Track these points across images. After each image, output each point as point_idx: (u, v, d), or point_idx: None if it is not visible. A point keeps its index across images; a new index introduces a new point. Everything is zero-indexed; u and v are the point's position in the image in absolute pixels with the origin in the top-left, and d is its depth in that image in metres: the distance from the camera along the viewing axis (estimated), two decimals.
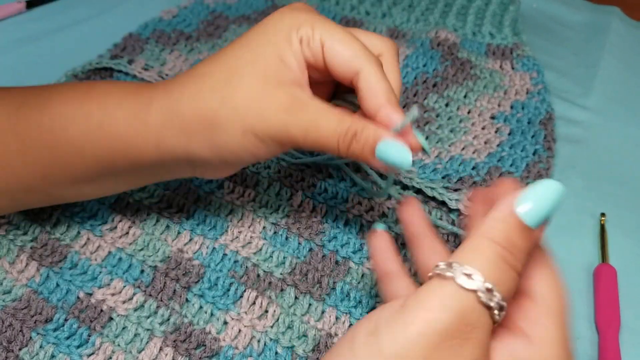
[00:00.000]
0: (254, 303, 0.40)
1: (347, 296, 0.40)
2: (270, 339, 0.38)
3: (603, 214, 0.47)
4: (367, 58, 0.33)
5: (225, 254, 0.42)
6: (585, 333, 0.41)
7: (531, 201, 0.27)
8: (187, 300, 0.40)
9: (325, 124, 0.32)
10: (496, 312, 0.25)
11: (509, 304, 0.26)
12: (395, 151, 0.32)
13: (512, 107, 0.55)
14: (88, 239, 0.43)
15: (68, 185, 0.37)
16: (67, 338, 0.38)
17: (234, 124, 0.33)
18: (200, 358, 0.37)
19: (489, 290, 0.24)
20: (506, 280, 0.25)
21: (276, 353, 0.37)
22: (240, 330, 0.38)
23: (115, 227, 0.44)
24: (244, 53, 0.34)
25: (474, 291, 0.24)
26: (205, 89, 0.33)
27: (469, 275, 0.24)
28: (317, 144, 0.33)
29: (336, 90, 0.40)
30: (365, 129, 0.32)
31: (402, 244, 0.43)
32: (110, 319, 0.39)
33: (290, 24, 0.34)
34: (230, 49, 0.34)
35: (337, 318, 0.39)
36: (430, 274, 0.26)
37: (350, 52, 0.33)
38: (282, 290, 0.40)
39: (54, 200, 0.41)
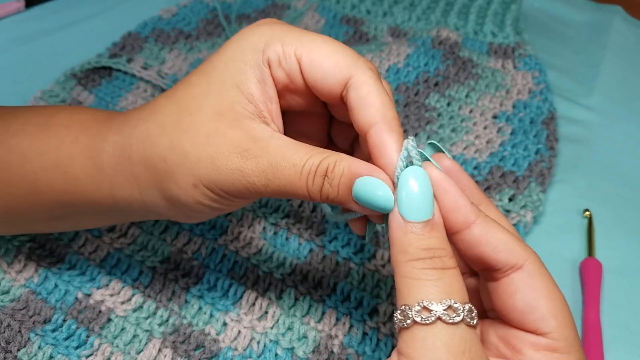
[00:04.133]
0: (253, 304, 0.39)
1: (347, 297, 0.40)
2: (270, 340, 0.37)
3: (587, 210, 0.47)
4: (356, 64, 0.27)
5: (224, 255, 0.42)
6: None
7: (403, 194, 0.25)
8: (186, 301, 0.39)
9: (288, 166, 0.27)
10: (468, 319, 0.24)
11: None
12: (373, 190, 0.25)
13: (514, 107, 0.54)
14: (86, 239, 0.43)
15: (32, 222, 0.35)
16: (66, 339, 0.37)
17: (184, 175, 0.28)
18: (199, 359, 0.36)
19: (451, 308, 0.23)
20: (452, 285, 0.24)
21: (276, 355, 0.37)
22: (239, 332, 0.38)
23: (114, 227, 0.43)
24: (200, 82, 0.29)
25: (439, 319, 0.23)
26: (154, 130, 0.29)
27: (429, 310, 0.23)
28: (283, 191, 0.27)
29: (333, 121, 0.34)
30: (338, 165, 0.26)
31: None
32: (109, 319, 0.38)
33: (254, 44, 0.28)
34: (188, 78, 0.30)
35: (337, 319, 0.39)
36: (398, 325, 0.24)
37: (333, 59, 0.27)
38: (282, 291, 0.40)
39: (27, 231, 0.38)
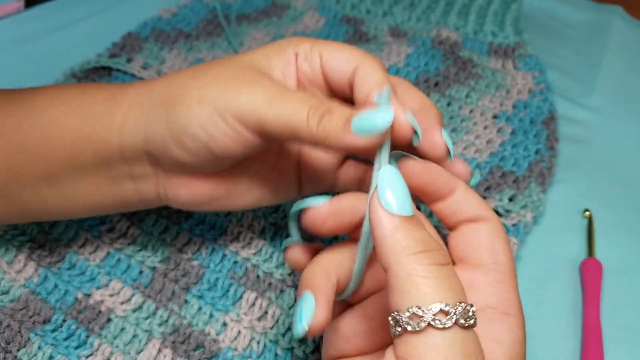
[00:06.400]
0: (253, 304, 0.39)
1: None
2: (270, 341, 0.37)
3: (587, 210, 0.47)
4: (364, 56, 0.33)
5: (224, 255, 0.42)
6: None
7: (386, 190, 0.24)
8: (186, 301, 0.39)
9: (295, 94, 0.30)
10: (462, 321, 0.22)
11: None
12: (374, 114, 0.27)
13: (514, 107, 0.54)
14: (86, 239, 0.43)
15: (29, 184, 0.35)
16: (66, 339, 0.37)
17: (193, 92, 0.31)
18: (199, 359, 0.37)
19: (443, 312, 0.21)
20: (448, 282, 0.22)
21: (276, 355, 0.37)
22: (239, 332, 0.38)
23: (114, 228, 0.43)
24: (225, 65, 0.33)
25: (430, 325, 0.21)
26: (184, 72, 0.33)
27: (418, 316, 0.21)
28: (282, 118, 0.29)
29: None
30: (341, 107, 0.29)
31: None
32: (109, 320, 0.38)
33: (287, 42, 0.34)
34: (212, 63, 0.34)
35: None
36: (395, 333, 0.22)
37: (347, 53, 0.33)
38: (282, 291, 0.40)
39: (13, 208, 0.37)
